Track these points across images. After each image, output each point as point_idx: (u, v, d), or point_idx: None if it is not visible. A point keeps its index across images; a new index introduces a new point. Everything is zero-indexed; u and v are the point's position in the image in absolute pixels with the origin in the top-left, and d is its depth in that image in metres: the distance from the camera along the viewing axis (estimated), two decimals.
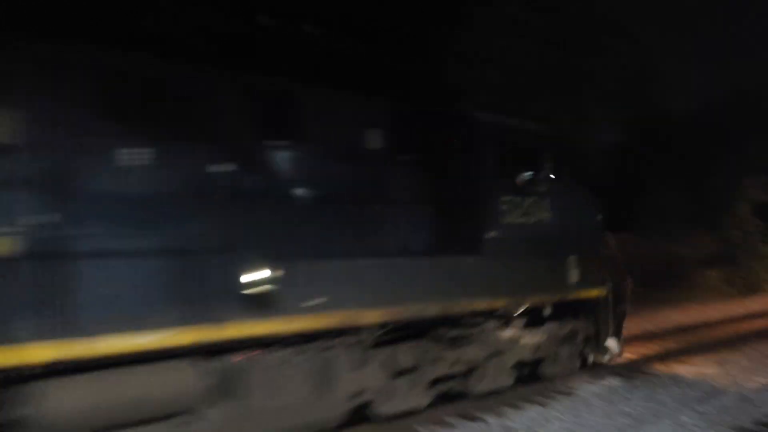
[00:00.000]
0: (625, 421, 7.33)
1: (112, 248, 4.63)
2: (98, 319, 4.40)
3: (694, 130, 20.58)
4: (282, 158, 6.12)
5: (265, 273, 5.19)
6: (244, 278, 5.16)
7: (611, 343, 9.24)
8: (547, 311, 8.37)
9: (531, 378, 8.62)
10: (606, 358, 9.33)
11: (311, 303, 5.59)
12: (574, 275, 8.53)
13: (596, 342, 9.19)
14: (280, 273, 5.26)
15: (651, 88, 18.03)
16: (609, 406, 7.88)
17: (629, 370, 9.52)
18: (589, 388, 8.63)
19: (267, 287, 5.19)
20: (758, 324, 14.76)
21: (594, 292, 8.97)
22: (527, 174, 7.88)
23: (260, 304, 5.19)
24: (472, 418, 7.35)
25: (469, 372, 7.64)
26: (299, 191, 6.13)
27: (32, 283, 4.17)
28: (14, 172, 4.32)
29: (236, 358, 5.38)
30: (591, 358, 9.31)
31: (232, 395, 5.36)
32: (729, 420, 7.34)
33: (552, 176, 8.23)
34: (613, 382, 8.99)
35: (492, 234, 7.42)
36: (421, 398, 7.14)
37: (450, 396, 7.64)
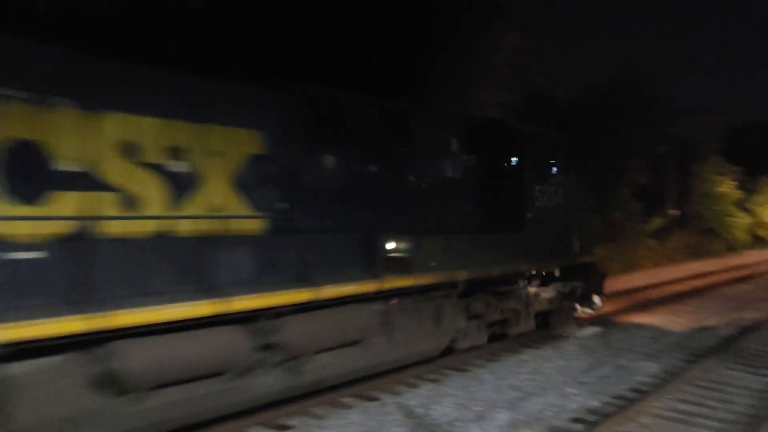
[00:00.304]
0: (513, 394, 7.63)
1: (317, 226, 6.99)
2: (327, 274, 6.71)
3: (578, 115, 21.59)
4: (411, 164, 8.59)
5: (405, 245, 7.63)
6: (393, 249, 7.55)
7: (596, 298, 11.69)
8: (557, 273, 10.77)
9: (544, 325, 10.91)
10: (594, 308, 11.79)
11: (430, 265, 7.94)
12: (575, 246, 11.06)
13: (587, 297, 11.53)
14: (413, 245, 7.68)
15: (539, 73, 18.75)
16: (498, 381, 8.18)
17: (514, 344, 9.97)
18: (480, 363, 8.97)
19: (406, 254, 7.61)
20: (639, 297, 15.80)
21: (587, 259, 11.49)
22: (550, 170, 10.49)
23: (402, 266, 7.56)
24: (368, 398, 7.42)
25: (509, 318, 9.96)
26: (423, 190, 8.76)
27: (272, 251, 6.33)
28: (263, 174, 6.58)
29: (390, 303, 7.69)
30: (580, 310, 11.61)
31: (387, 329, 7.68)
32: (608, 389, 7.82)
33: (563, 171, 10.78)
34: (503, 356, 9.38)
35: (527, 216, 9.92)
36: (483, 337, 9.60)
37: (495, 336, 9.95)
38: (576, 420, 6.70)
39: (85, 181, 5.18)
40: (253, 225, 6.46)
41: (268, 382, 6.44)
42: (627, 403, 7.16)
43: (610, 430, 6.33)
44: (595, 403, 7.25)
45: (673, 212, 29.70)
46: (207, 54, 11.14)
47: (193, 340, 5.58)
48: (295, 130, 6.90)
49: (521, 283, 9.89)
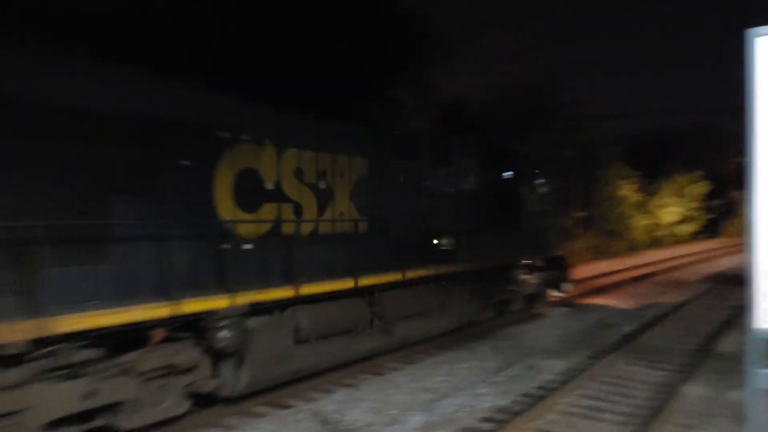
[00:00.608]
0: (428, 397, 7.73)
1: (402, 229, 9.47)
2: (409, 262, 9.22)
3: (489, 120, 22.19)
4: (453, 180, 10.86)
5: (452, 241, 10.25)
6: (446, 244, 10.21)
7: (567, 285, 14.04)
8: (540, 263, 13.05)
9: (532, 305, 13.26)
10: (563, 293, 14.07)
11: (467, 257, 10.52)
12: (555, 241, 13.81)
13: (559, 284, 13.80)
14: (457, 242, 10.32)
15: (452, 77, 19.17)
16: (413, 383, 8.27)
17: (435, 347, 10.12)
18: (396, 366, 9.03)
19: (453, 248, 10.26)
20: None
21: (562, 251, 14.15)
22: (534, 181, 13.26)
23: (450, 257, 10.20)
24: (281, 406, 7.31)
25: (509, 299, 12.39)
26: (462, 200, 10.92)
27: (375, 246, 8.91)
28: (367, 189, 8.98)
29: (442, 284, 10.17)
30: (551, 295, 13.83)
31: (441, 303, 10.24)
32: (518, 388, 8.04)
33: (548, 181, 13.78)
34: (419, 360, 9.49)
35: (521, 218, 12.59)
36: (488, 313, 11.98)
37: (501, 312, 12.38)
38: (486, 419, 6.85)
39: (277, 195, 7.49)
40: (363, 227, 8.79)
41: (374, 339, 8.87)
42: (535, 400, 7.40)
43: (517, 428, 6.53)
44: (504, 402, 7.45)
45: (580, 215, 30.97)
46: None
47: (338, 306, 8.11)
48: (386, 157, 9.41)
49: (517, 271, 12.43)
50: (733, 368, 8.48)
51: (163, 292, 5.95)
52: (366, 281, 8.34)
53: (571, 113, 28.21)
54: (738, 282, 18.89)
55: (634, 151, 37.97)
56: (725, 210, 49.20)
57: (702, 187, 43.50)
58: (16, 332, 4.74)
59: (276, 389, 7.54)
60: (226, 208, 6.86)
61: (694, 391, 7.87)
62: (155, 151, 6.18)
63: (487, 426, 6.63)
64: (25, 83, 5.24)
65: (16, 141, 5.06)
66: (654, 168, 38.85)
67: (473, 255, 10.67)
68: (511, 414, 6.88)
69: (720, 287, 19.16)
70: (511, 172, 12.60)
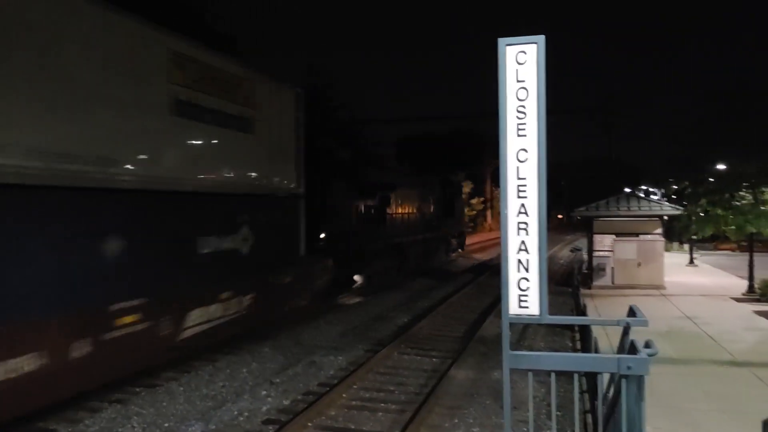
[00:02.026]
0: (207, 404, 7.42)
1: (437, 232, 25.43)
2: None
3: None
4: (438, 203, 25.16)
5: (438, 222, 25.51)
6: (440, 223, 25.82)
7: (459, 249, 29.98)
8: (452, 236, 28.21)
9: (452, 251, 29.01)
10: (458, 251, 29.88)
11: (440, 229, 25.63)
12: (461, 223, 31.35)
13: (454, 247, 28.98)
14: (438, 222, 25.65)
15: None
16: (191, 392, 7.88)
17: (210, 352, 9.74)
18: (172, 376, 8.53)
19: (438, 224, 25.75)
20: None
21: (462, 229, 31.45)
22: (454, 192, 29.05)
23: (437, 228, 25.37)
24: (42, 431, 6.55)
25: (430, 253, 24.14)
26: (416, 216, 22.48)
27: (431, 242, 25.23)
28: (430, 209, 24.47)
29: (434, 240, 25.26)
30: (451, 254, 28.55)
31: (435, 249, 25.35)
32: (300, 387, 8.07)
33: (451, 196, 27.79)
34: (197, 367, 9.07)
35: (454, 214, 28.09)
36: (442, 255, 26.99)
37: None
38: (268, 422, 6.76)
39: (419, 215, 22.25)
40: (436, 233, 24.19)
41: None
42: (315, 397, 7.48)
43: (300, 426, 6.54)
44: (287, 402, 7.42)
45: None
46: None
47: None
48: (437, 193, 24.81)
49: (441, 240, 25.67)
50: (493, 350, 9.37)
51: None
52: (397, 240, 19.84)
53: (345, 116, 29.63)
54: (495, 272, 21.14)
55: (406, 154, 40.58)
56: (483, 207, 54.68)
57: (465, 187, 47.68)
58: None
59: (35, 413, 6.70)
60: None
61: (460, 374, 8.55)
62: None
63: (270, 428, 6.55)
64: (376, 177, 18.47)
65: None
66: (423, 169, 41.86)
67: (444, 227, 25.66)
68: (294, 414, 6.88)
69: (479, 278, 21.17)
70: (449, 191, 26.99)
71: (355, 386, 8.01)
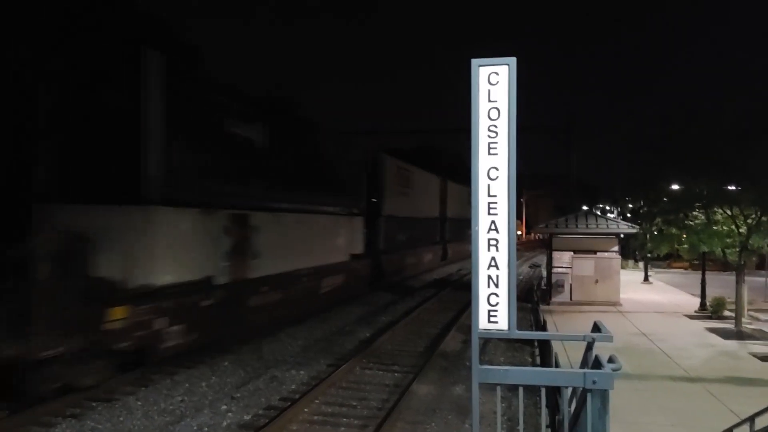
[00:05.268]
0: (165, 419, 7.27)
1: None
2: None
3: None
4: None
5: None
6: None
7: None
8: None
9: None
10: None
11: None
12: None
13: None
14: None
15: None
16: (149, 407, 7.71)
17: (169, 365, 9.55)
18: (130, 391, 8.34)
19: None
20: None
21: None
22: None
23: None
24: None
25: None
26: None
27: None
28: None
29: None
30: None
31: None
32: (261, 401, 7.98)
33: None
34: (155, 381, 8.88)
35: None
36: None
37: None
38: None
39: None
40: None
41: None
42: (277, 412, 7.40)
43: None
44: (247, 417, 7.32)
45: None
46: None
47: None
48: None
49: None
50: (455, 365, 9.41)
51: None
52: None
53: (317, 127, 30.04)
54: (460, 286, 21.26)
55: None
56: None
57: None
58: None
59: None
60: None
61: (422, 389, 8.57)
62: None
63: None
64: None
65: None
66: None
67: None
68: (255, 429, 6.79)
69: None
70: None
71: (317, 401, 7.95)
